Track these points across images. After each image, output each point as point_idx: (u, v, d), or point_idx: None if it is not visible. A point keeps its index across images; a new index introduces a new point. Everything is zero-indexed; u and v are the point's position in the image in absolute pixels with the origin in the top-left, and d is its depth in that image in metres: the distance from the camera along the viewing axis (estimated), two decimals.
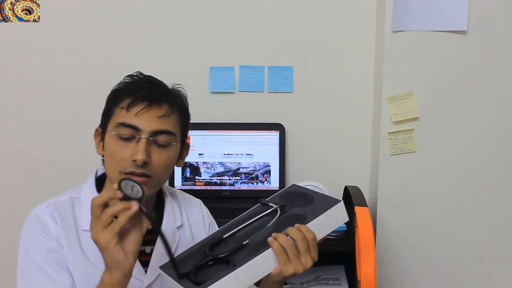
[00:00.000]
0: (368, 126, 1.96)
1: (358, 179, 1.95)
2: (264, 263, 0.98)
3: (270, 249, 0.98)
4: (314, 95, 1.96)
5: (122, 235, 0.93)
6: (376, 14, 1.90)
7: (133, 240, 0.94)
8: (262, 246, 1.00)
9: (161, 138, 1.11)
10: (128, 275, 0.94)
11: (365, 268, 1.46)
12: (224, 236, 1.08)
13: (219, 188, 1.90)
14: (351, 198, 1.66)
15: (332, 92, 1.96)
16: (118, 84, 1.17)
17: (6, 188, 1.99)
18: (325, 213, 1.05)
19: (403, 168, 1.81)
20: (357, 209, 1.57)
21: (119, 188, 0.92)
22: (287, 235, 0.99)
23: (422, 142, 1.80)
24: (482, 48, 1.76)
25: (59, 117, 1.97)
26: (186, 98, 1.21)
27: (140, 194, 0.94)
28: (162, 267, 1.04)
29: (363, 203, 1.62)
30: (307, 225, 1.02)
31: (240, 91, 1.96)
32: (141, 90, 1.12)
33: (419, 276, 1.86)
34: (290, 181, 1.94)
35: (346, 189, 1.79)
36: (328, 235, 1.08)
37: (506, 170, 1.81)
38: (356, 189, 1.76)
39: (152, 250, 1.15)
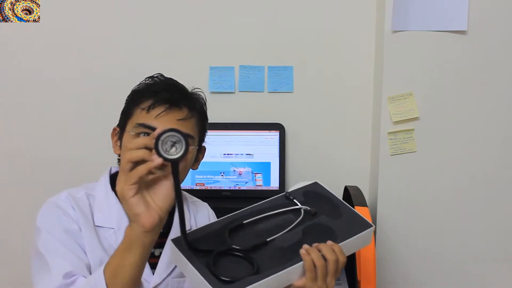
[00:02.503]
0: (368, 126, 1.96)
1: (358, 179, 1.95)
2: (291, 275, 0.96)
3: (301, 262, 0.96)
4: (314, 95, 1.96)
5: (149, 188, 0.89)
6: (376, 14, 1.90)
7: (162, 196, 0.89)
8: (290, 255, 0.97)
9: None
10: (149, 232, 0.89)
11: (365, 268, 1.46)
12: (245, 222, 1.04)
13: (219, 188, 1.90)
14: (351, 198, 1.66)
15: (332, 92, 1.96)
16: (139, 84, 1.18)
17: (5, 188, 1.99)
18: (356, 236, 1.03)
19: (403, 168, 1.81)
20: (357, 209, 1.57)
21: (156, 148, 0.83)
22: (319, 250, 0.97)
23: (422, 142, 1.80)
24: (481, 48, 1.76)
25: (59, 117, 1.97)
26: (205, 102, 1.22)
27: (181, 153, 0.84)
28: (181, 250, 0.96)
29: (363, 203, 1.62)
30: (339, 245, 0.99)
31: (240, 91, 1.96)
32: (163, 92, 1.12)
33: (419, 276, 1.86)
34: (290, 181, 1.94)
35: (346, 189, 1.79)
36: None
37: (506, 169, 1.81)
38: (356, 189, 1.76)
39: (160, 253, 1.15)
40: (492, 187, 1.81)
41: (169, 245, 1.14)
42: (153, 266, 1.13)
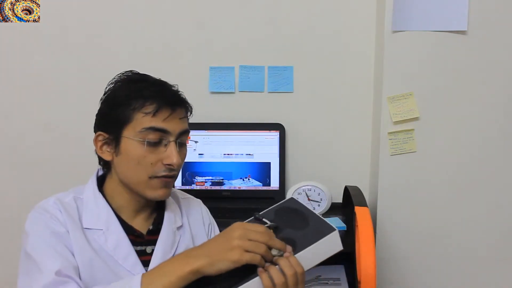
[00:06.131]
0: (368, 126, 1.96)
1: (358, 179, 1.95)
2: None
3: (258, 277, 0.95)
4: (314, 95, 1.96)
5: None
6: (376, 14, 1.90)
7: None
8: (251, 271, 0.96)
9: (184, 138, 1.16)
10: None
11: (365, 268, 1.46)
12: None
13: (219, 188, 1.90)
14: (351, 198, 1.66)
15: (332, 92, 1.96)
16: (113, 85, 1.17)
17: (5, 188, 1.99)
18: (316, 243, 1.01)
19: (403, 168, 1.81)
20: (357, 209, 1.57)
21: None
22: (277, 264, 0.96)
23: (422, 142, 1.80)
24: (482, 48, 1.76)
25: (59, 117, 1.97)
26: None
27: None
28: None
29: (363, 203, 1.62)
30: (297, 255, 0.98)
31: (240, 91, 1.96)
32: (163, 95, 1.13)
33: (419, 276, 1.86)
34: (290, 181, 1.94)
35: (346, 189, 1.79)
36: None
37: (506, 170, 1.81)
38: (356, 189, 1.76)
39: (152, 250, 1.15)
40: (492, 187, 1.81)
41: (161, 243, 1.16)
42: (146, 264, 1.13)
